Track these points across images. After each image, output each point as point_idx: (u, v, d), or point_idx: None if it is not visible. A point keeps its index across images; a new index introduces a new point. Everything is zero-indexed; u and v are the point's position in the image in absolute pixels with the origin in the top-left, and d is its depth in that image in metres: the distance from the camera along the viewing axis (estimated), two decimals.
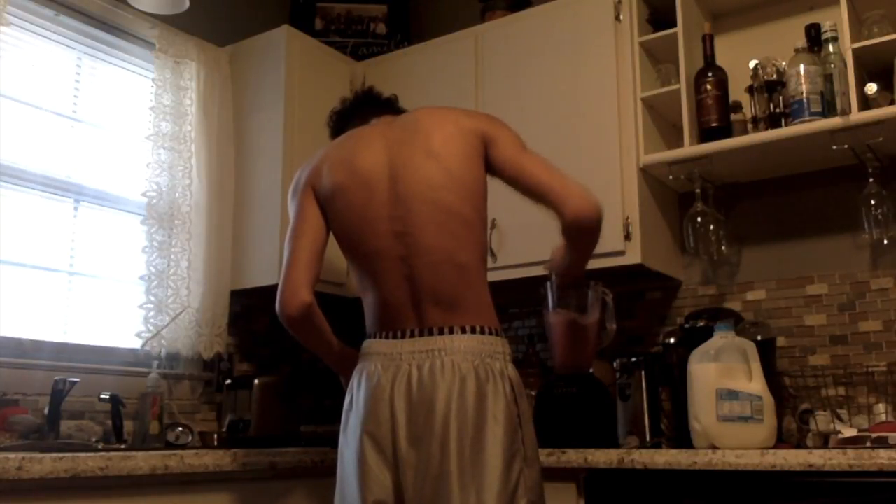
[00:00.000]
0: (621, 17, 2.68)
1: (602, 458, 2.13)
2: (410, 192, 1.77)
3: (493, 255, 2.77)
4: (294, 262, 1.83)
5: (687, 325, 2.55)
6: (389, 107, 2.06)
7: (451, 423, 1.63)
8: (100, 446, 2.32)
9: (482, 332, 1.71)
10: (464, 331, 1.70)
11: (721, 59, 2.60)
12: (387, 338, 1.78)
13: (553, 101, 2.75)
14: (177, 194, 2.89)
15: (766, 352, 2.34)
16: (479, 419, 1.63)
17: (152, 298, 2.78)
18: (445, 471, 1.61)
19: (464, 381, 1.65)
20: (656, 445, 2.30)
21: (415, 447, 1.67)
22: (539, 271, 2.52)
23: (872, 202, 2.38)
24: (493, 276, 2.75)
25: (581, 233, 1.75)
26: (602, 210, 1.74)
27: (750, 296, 2.69)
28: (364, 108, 2.05)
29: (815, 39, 2.42)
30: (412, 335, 1.74)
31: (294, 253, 1.84)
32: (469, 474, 1.60)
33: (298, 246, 1.84)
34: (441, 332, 1.71)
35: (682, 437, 2.30)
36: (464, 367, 1.66)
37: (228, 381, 2.82)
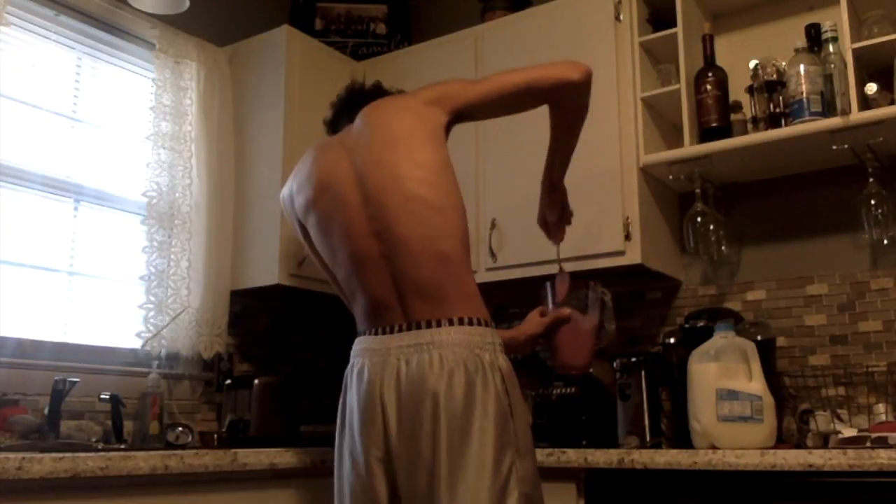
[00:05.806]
0: (621, 17, 2.67)
1: (602, 458, 2.13)
2: (380, 187, 1.76)
3: (493, 255, 2.77)
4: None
5: (687, 325, 2.55)
6: (376, 95, 2.01)
7: (441, 415, 1.61)
8: (100, 446, 2.32)
9: (470, 324, 1.69)
10: (451, 323, 1.68)
11: (721, 59, 2.60)
12: (376, 334, 1.78)
13: None
14: (177, 194, 2.89)
15: (766, 352, 2.33)
16: (468, 411, 1.61)
17: (152, 298, 2.78)
18: (437, 463, 1.60)
19: (452, 374, 1.63)
20: (656, 445, 2.30)
21: (405, 442, 1.67)
22: (539, 271, 2.54)
23: (872, 202, 2.38)
24: (493, 276, 2.79)
25: (585, 90, 1.85)
26: None
27: (750, 296, 2.69)
28: (351, 109, 2.00)
29: (815, 39, 2.42)
30: (400, 330, 1.73)
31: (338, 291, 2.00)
32: (459, 466, 1.59)
33: (334, 284, 2.00)
34: (429, 326, 1.69)
35: (682, 437, 2.30)
36: (452, 359, 1.64)
37: (228, 381, 2.83)
